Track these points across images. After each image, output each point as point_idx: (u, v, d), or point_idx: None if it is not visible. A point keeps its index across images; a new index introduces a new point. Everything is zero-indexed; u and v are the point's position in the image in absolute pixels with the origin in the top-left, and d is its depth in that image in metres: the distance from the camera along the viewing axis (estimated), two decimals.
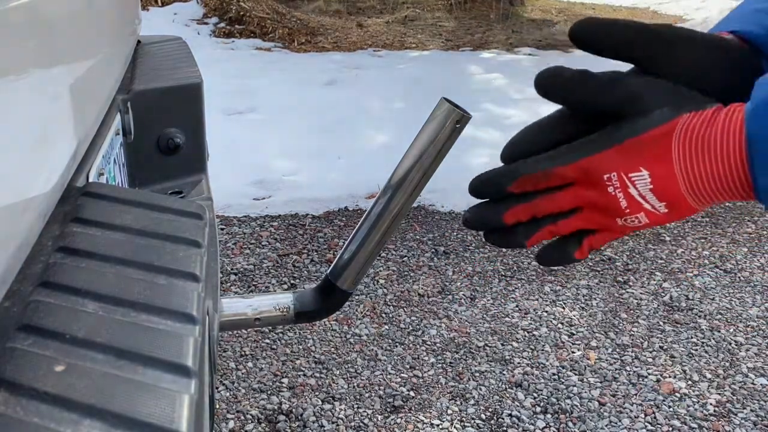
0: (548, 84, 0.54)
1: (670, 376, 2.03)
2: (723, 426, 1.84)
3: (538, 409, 1.89)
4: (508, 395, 1.94)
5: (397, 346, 2.14)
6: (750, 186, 0.49)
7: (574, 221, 0.56)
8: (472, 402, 1.91)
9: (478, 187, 0.57)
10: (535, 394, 1.94)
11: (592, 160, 0.53)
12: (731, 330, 2.28)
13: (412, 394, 1.94)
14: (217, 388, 1.92)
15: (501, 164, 0.57)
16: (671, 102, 0.51)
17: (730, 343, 2.20)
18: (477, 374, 2.02)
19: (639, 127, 0.51)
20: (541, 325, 2.27)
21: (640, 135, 0.51)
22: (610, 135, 0.52)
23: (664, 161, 0.50)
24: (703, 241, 2.91)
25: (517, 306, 2.38)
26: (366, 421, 1.84)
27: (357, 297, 2.39)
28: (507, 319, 2.30)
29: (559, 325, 2.27)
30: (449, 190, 3.25)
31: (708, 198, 0.51)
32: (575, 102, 0.54)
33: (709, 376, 2.04)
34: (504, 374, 2.03)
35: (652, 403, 1.92)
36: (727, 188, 0.50)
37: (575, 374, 2.03)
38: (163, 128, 1.29)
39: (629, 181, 0.52)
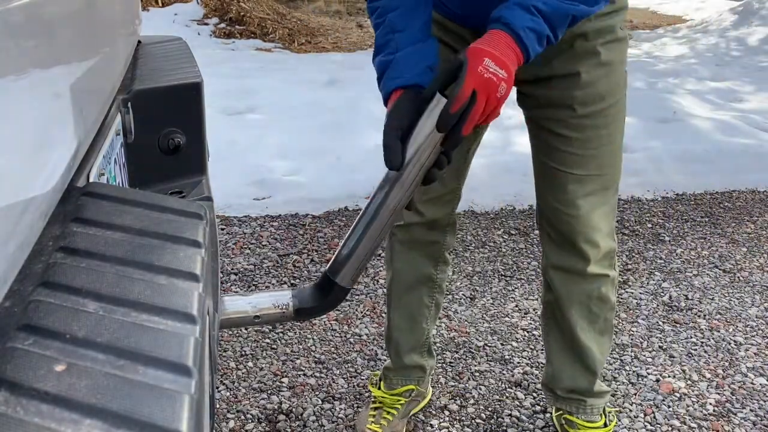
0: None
1: (669, 376, 2.03)
2: (722, 426, 1.84)
3: (538, 408, 1.89)
4: (507, 395, 1.94)
5: None
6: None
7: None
8: (471, 402, 1.91)
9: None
10: (534, 394, 1.94)
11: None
12: (730, 330, 2.28)
13: None
14: (217, 387, 1.92)
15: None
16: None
17: (730, 343, 2.20)
18: (477, 374, 2.02)
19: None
20: (540, 324, 2.27)
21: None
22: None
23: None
24: (702, 241, 2.91)
25: (516, 306, 2.38)
26: None
27: (357, 296, 2.39)
28: (507, 318, 2.30)
29: None
30: None
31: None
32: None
33: (708, 375, 2.04)
34: (504, 374, 2.03)
35: (651, 402, 1.92)
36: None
37: None
38: (163, 128, 1.29)
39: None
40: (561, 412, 1.73)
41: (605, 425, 1.71)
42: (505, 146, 3.77)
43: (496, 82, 1.13)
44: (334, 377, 2.00)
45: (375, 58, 1.30)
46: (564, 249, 1.55)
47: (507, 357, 2.10)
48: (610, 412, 1.76)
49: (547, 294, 1.66)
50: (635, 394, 1.95)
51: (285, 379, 1.98)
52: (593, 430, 1.69)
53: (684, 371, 2.06)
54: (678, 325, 2.29)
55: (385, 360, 2.07)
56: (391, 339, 1.77)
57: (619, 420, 1.85)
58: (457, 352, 2.12)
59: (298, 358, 2.07)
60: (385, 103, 1.25)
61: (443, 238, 1.67)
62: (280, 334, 2.18)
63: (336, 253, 1.24)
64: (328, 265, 1.24)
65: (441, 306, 1.80)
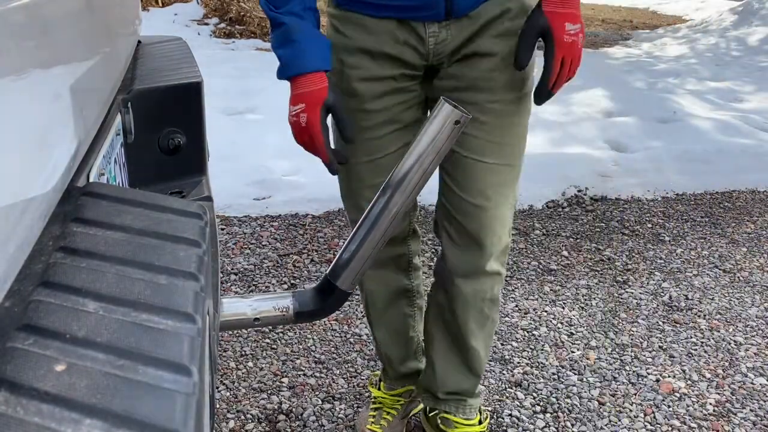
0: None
1: (669, 376, 2.03)
2: (722, 426, 1.84)
3: (538, 408, 1.89)
4: (507, 395, 1.94)
5: None
6: None
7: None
8: None
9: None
10: (534, 394, 1.94)
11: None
12: (730, 330, 2.28)
13: None
14: (217, 387, 1.93)
15: None
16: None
17: (730, 343, 2.20)
18: None
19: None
20: (540, 324, 2.27)
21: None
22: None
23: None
24: (702, 241, 2.91)
25: (516, 306, 2.38)
26: None
27: (357, 297, 2.39)
28: (507, 318, 2.30)
29: (559, 325, 2.27)
30: None
31: None
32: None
33: (708, 375, 2.04)
34: (504, 374, 2.03)
35: (651, 402, 1.92)
36: None
37: (575, 374, 2.03)
38: (163, 128, 1.29)
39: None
40: (437, 411, 1.70)
41: (480, 422, 1.71)
42: None
43: (578, 40, 1.23)
44: (334, 377, 2.00)
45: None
46: (465, 245, 1.49)
47: (507, 357, 2.10)
48: (483, 411, 1.75)
49: (438, 295, 1.61)
50: (635, 394, 1.95)
51: (285, 379, 1.98)
52: (469, 428, 1.68)
53: (684, 371, 2.06)
54: (678, 325, 2.29)
55: None
56: (382, 355, 1.76)
57: (619, 420, 1.85)
58: None
59: (298, 358, 2.07)
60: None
61: (407, 248, 1.64)
62: (280, 335, 2.18)
63: (337, 256, 1.24)
64: (329, 268, 1.25)
65: (423, 308, 1.75)
